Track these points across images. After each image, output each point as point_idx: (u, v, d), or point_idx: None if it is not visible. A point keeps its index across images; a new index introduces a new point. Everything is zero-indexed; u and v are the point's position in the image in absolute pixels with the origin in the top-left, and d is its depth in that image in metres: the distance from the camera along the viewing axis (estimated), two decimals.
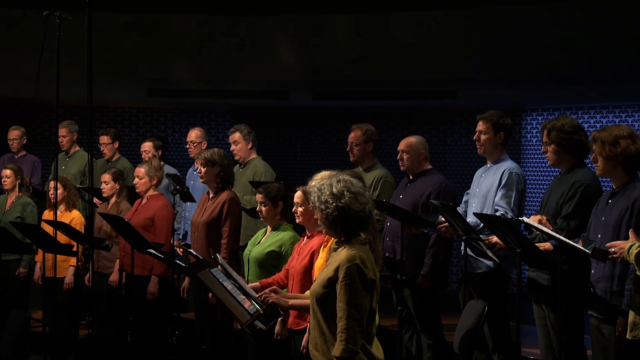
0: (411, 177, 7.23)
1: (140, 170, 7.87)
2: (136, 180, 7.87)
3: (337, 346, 4.48)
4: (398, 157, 7.22)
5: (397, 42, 10.22)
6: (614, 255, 4.89)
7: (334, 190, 4.63)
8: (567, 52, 9.36)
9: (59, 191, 8.22)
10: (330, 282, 4.57)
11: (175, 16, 10.64)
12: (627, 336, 4.89)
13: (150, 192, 7.85)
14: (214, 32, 10.69)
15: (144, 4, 10.50)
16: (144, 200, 7.83)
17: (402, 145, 7.23)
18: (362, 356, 4.54)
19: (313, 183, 5.37)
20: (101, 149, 9.75)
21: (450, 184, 7.18)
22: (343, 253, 4.59)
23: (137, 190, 7.89)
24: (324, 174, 5.45)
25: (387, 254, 7.04)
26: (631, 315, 4.87)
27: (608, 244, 4.94)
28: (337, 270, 4.54)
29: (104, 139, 9.78)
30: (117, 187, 8.17)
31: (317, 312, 4.66)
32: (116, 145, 9.86)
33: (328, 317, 4.59)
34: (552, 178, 6.33)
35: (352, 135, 7.76)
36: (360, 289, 4.50)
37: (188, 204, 8.89)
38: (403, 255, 6.89)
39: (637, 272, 4.78)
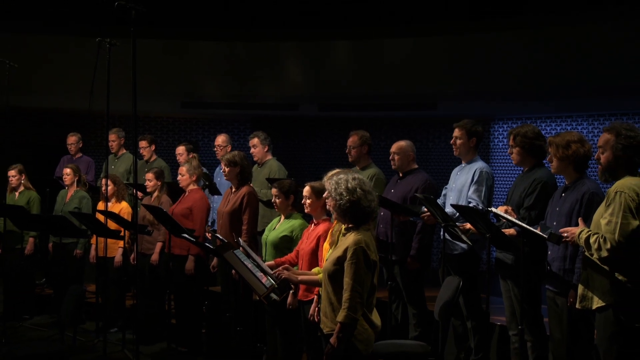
0: (401, 175, 7.22)
1: (183, 168, 7.87)
2: (179, 177, 7.87)
3: (340, 313, 4.51)
4: (390, 157, 7.21)
5: (388, 63, 10.22)
6: (567, 239, 4.90)
7: (349, 185, 4.67)
8: (529, 72, 9.37)
9: (109, 187, 8.25)
10: (340, 261, 4.60)
11: (205, 42, 10.64)
12: (577, 306, 4.88)
13: (191, 187, 7.84)
14: (236, 56, 10.70)
15: (180, 32, 10.51)
16: (187, 193, 7.83)
17: (393, 148, 7.22)
18: (362, 322, 4.57)
19: (326, 178, 5.41)
20: (140, 152, 9.77)
21: (433, 181, 7.17)
22: (351, 237, 4.62)
23: (180, 185, 7.88)
24: (336, 171, 5.46)
25: (380, 238, 7.03)
26: (580, 288, 4.86)
27: (561, 230, 4.95)
28: (345, 251, 4.57)
29: (143, 143, 9.78)
30: (159, 184, 8.19)
31: (328, 286, 4.68)
32: (152, 148, 9.85)
33: (337, 290, 4.62)
34: (516, 176, 6.33)
35: (350, 140, 7.75)
36: (363, 267, 4.53)
37: (215, 196, 8.89)
38: (394, 239, 6.91)
39: (586, 253, 4.78)
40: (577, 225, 4.96)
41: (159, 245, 7.93)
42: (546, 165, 6.02)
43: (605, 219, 4.63)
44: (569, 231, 4.86)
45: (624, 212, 4.56)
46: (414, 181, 7.05)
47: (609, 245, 4.56)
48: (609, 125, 4.88)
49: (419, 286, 7.11)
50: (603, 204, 4.75)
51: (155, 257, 7.95)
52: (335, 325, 4.57)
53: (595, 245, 4.62)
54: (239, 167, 7.21)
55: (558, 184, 5.85)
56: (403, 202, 6.92)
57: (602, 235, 4.61)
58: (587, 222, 4.92)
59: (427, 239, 7.01)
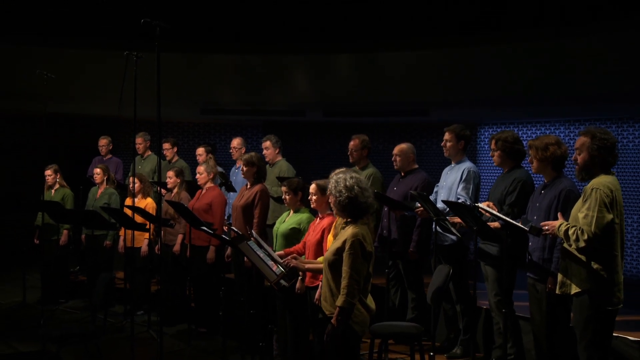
0: (402, 174, 7.21)
1: (201, 167, 7.85)
2: (197, 175, 7.86)
3: (339, 298, 4.50)
4: (392, 159, 7.20)
5: (386, 74, 10.19)
6: (547, 232, 4.89)
7: (347, 183, 4.66)
8: (511, 82, 9.34)
9: (136, 184, 8.24)
10: (339, 252, 4.59)
11: (221, 55, 10.62)
12: (557, 292, 4.88)
13: (208, 185, 7.82)
14: (250, 67, 10.68)
15: (199, 46, 10.49)
16: (204, 191, 7.80)
17: (395, 150, 7.21)
18: (359, 306, 4.57)
19: (331, 176, 5.37)
20: (164, 153, 9.76)
21: (432, 180, 7.16)
22: (349, 230, 4.61)
23: (198, 183, 7.86)
24: (341, 169, 5.45)
25: (384, 232, 7.03)
26: (560, 276, 4.86)
27: (542, 223, 4.93)
28: (344, 242, 4.56)
29: (166, 146, 9.77)
30: (178, 181, 8.17)
31: (328, 274, 4.67)
32: (175, 149, 9.84)
33: (336, 278, 4.61)
34: (498, 175, 6.32)
35: (351, 143, 7.74)
36: (360, 257, 4.52)
37: (231, 193, 8.88)
38: (396, 233, 6.91)
39: (565, 245, 4.77)
40: (556, 219, 4.96)
41: (180, 236, 7.93)
42: (524, 166, 6.03)
43: (582, 213, 4.64)
44: (550, 224, 4.86)
45: (599, 206, 4.57)
46: (414, 180, 7.05)
47: (586, 237, 4.56)
48: (585, 129, 4.89)
49: (418, 274, 7.12)
50: (580, 199, 4.75)
51: (177, 247, 7.94)
52: (334, 309, 4.57)
53: (574, 237, 4.62)
54: (256, 167, 7.22)
55: (536, 183, 5.84)
56: (404, 199, 6.94)
57: (579, 228, 4.60)
58: (565, 216, 4.91)
59: (425, 232, 7.00)
